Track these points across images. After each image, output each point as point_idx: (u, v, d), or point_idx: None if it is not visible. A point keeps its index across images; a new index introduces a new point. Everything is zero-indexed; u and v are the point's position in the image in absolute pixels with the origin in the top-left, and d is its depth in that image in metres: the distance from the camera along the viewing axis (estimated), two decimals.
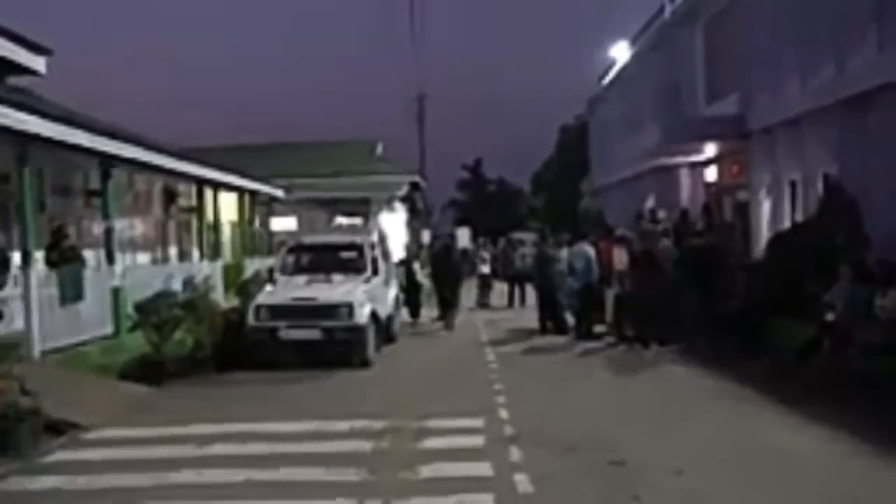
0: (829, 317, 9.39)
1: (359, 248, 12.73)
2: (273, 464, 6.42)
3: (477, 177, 60.95)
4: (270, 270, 12.86)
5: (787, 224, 16.08)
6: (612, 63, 31.52)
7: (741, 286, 11.83)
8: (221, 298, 15.99)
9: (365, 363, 11.26)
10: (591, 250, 13.58)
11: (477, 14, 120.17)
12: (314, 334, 11.07)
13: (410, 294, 16.46)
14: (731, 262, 12.42)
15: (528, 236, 33.50)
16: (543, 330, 14.72)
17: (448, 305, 16.30)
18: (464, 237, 40.62)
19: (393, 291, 14.20)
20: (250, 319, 11.32)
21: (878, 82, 12.08)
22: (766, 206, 17.36)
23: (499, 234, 36.31)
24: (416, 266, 17.22)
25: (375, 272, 12.97)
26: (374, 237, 13.40)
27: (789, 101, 15.44)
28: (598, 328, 14.02)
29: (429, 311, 16.93)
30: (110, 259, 12.18)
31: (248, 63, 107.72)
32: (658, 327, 12.20)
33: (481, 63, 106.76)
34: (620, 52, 29.61)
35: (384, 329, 13.29)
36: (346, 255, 12.88)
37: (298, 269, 12.82)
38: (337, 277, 12.17)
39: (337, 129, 77.65)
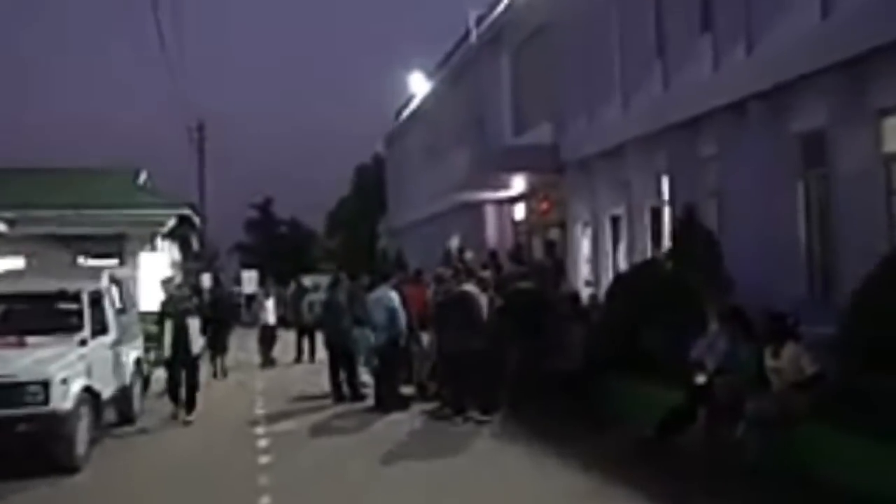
0: (700, 379, 7.34)
1: (74, 299, 9.03)
2: None
3: (267, 217, 56.66)
4: None
5: (609, 264, 14.56)
6: (410, 97, 29.75)
7: (577, 339, 9.69)
8: None
9: (71, 467, 7.65)
10: (395, 296, 10.89)
11: (265, 45, 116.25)
12: None
13: (176, 366, 10.38)
14: (564, 309, 10.28)
15: (324, 280, 30.53)
16: (338, 396, 11.76)
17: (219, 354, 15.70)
18: (250, 282, 36.58)
19: (133, 354, 10.57)
20: None
21: (715, 103, 10.70)
22: (584, 245, 15.83)
23: (291, 279, 33.01)
24: (195, 325, 10.52)
25: (102, 331, 9.37)
26: (102, 283, 9.76)
27: (609, 128, 14.00)
28: (406, 390, 11.34)
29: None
30: None
31: None
32: (480, 392, 9.70)
33: (272, 101, 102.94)
34: (418, 85, 27.86)
35: (115, 408, 9.73)
36: (54, 308, 9.13)
37: None
38: (35, 340, 8.42)
39: (101, 157, 69.11)
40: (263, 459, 8.09)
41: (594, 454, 7.55)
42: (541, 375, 9.80)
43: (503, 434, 8.90)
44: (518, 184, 18.41)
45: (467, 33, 21.60)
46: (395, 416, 10.25)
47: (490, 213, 20.91)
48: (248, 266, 42.22)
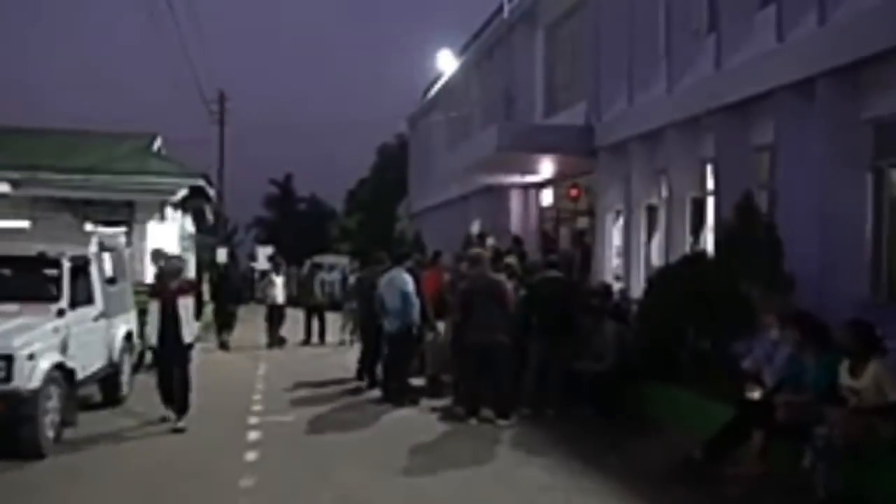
0: (755, 394, 6.33)
1: (53, 264, 8.16)
2: None
3: (286, 193, 55.90)
4: None
5: (641, 257, 13.51)
6: (437, 75, 28.66)
7: (610, 337, 8.69)
8: None
9: (37, 452, 6.81)
10: (409, 279, 9.93)
11: (292, 27, 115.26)
12: None
13: (165, 358, 8.38)
14: (596, 303, 9.28)
15: (341, 260, 29.73)
16: (361, 379, 10.98)
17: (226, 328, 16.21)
18: (265, 257, 35.90)
19: (123, 329, 9.74)
20: None
21: (774, 83, 9.59)
22: (614, 236, 14.76)
23: (308, 257, 32.42)
24: (188, 305, 8.23)
25: (87, 301, 8.55)
26: (90, 248, 8.90)
27: (650, 110, 12.89)
28: (416, 381, 10.43)
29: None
30: None
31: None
32: (500, 391, 8.74)
33: (301, 78, 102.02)
34: (447, 63, 26.75)
35: (100, 388, 9.01)
36: (34, 273, 8.25)
37: None
38: (8, 308, 7.58)
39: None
40: (250, 456, 7.19)
41: (630, 474, 6.57)
42: (567, 376, 8.84)
43: (523, 442, 7.90)
44: (546, 168, 17.34)
45: (500, 8, 20.48)
46: (404, 412, 9.34)
47: (515, 197, 19.87)
48: (264, 242, 41.53)
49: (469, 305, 8.99)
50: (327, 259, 32.49)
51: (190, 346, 8.35)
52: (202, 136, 34.68)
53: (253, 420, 8.76)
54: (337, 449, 7.64)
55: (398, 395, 9.78)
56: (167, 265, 8.66)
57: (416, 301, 9.80)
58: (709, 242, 10.97)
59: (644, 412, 8.01)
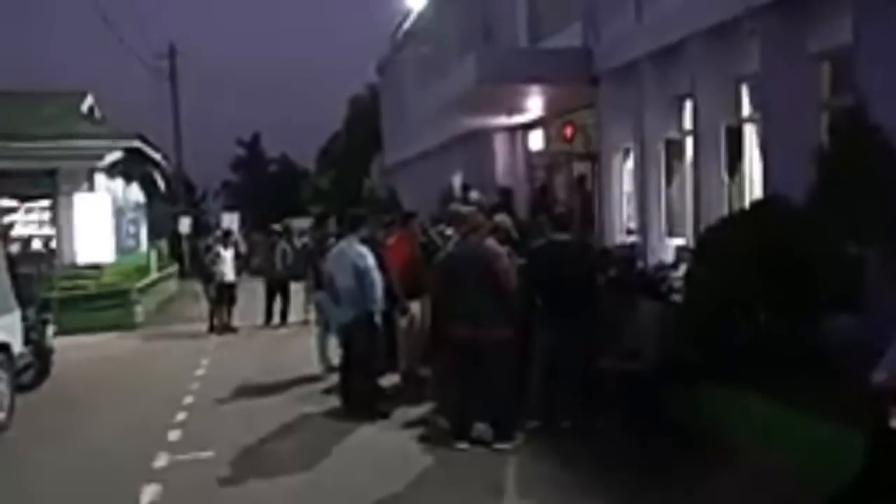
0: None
1: None
2: None
3: (255, 155, 52.73)
4: None
5: (660, 206, 11.09)
6: (406, 13, 25.73)
7: (647, 323, 6.28)
8: None
9: None
10: (365, 252, 7.41)
11: None
12: None
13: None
14: (615, 275, 6.84)
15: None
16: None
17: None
18: (231, 225, 33.26)
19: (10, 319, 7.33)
20: None
21: None
22: (624, 181, 12.31)
23: (279, 221, 29.82)
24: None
25: None
26: None
27: (665, 19, 10.27)
28: (387, 380, 8.08)
29: None
30: None
31: None
32: (496, 401, 6.34)
33: (261, 28, 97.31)
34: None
35: None
36: None
37: None
38: None
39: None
40: None
41: None
42: (589, 377, 6.47)
43: (533, 481, 5.53)
44: (535, 103, 14.77)
45: None
46: (370, 432, 6.94)
47: (500, 143, 17.33)
48: (231, 208, 38.83)
49: (452, 284, 6.54)
50: (299, 223, 29.83)
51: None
52: (159, 99, 31.55)
53: (159, 461, 6.31)
54: None
55: (363, 406, 7.38)
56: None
57: (376, 279, 7.31)
58: (756, 183, 8.58)
59: (699, 425, 5.66)
